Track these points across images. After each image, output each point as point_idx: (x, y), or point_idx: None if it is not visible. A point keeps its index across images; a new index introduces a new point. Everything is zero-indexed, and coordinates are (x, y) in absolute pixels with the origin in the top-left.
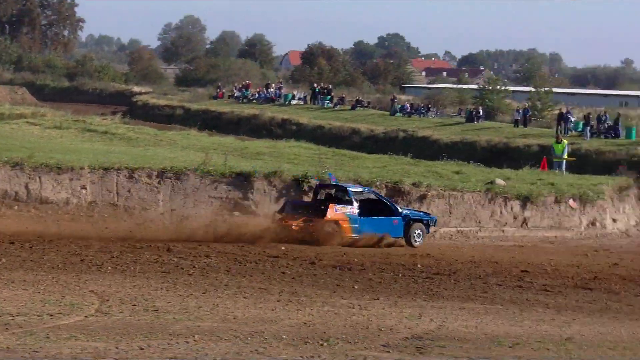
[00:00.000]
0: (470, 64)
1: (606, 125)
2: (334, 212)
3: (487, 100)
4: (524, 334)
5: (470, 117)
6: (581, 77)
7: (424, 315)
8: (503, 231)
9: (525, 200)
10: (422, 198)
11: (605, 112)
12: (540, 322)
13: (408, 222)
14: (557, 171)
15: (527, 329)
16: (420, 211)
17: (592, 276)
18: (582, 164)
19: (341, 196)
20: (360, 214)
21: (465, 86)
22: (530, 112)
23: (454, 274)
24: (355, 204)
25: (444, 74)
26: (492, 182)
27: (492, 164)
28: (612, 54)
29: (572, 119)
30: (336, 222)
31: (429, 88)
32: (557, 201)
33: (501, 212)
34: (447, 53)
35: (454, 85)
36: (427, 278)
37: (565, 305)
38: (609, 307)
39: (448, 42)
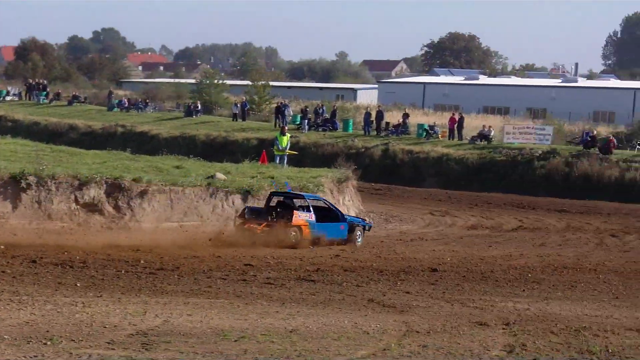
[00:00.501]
0: (187, 58)
1: (323, 118)
2: (298, 218)
3: (205, 95)
4: (249, 327)
5: (189, 112)
6: (297, 71)
7: (148, 311)
8: (226, 225)
9: (247, 193)
10: (143, 194)
11: (322, 105)
12: (265, 315)
13: (352, 226)
14: (278, 164)
15: (252, 322)
16: (358, 217)
17: (315, 268)
18: (301, 156)
19: (297, 203)
20: (316, 220)
21: (182, 80)
22: (249, 106)
23: (177, 269)
24: (312, 211)
25: (161, 68)
26: (212, 177)
27: (213, 158)
28: (327, 47)
29: (290, 112)
30: (299, 227)
31: (147, 83)
32: None
33: (223, 206)
34: (163, 47)
35: (172, 80)
36: (150, 274)
37: (289, 297)
38: (332, 298)
39: (164, 36)
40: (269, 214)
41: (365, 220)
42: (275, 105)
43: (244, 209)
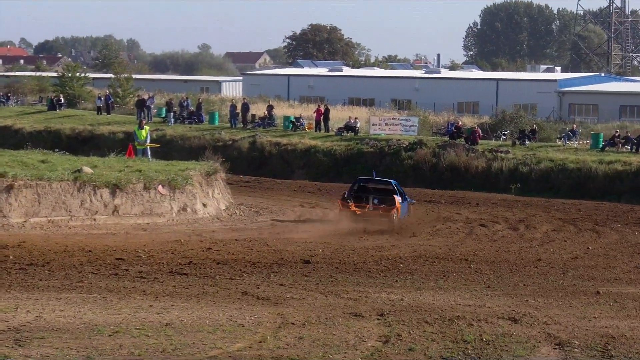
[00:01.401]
0: (47, 51)
1: (189, 111)
2: (397, 200)
3: (67, 88)
4: (123, 321)
5: (52, 106)
6: (160, 64)
7: (20, 307)
8: (95, 219)
9: (115, 187)
10: (9, 189)
11: (187, 98)
12: (138, 309)
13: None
14: (143, 158)
15: (126, 317)
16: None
17: (187, 261)
18: (168, 150)
19: (386, 187)
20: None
21: (44, 74)
22: (112, 99)
23: (48, 264)
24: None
25: (22, 61)
26: (79, 171)
27: (79, 152)
28: (189, 39)
29: (152, 105)
30: (397, 209)
31: (7, 76)
32: (146, 188)
33: (91, 200)
34: (22, 40)
35: (33, 73)
36: (20, 269)
37: (163, 291)
38: (205, 291)
39: (23, 29)
40: (362, 198)
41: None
42: (137, 98)
43: (344, 193)
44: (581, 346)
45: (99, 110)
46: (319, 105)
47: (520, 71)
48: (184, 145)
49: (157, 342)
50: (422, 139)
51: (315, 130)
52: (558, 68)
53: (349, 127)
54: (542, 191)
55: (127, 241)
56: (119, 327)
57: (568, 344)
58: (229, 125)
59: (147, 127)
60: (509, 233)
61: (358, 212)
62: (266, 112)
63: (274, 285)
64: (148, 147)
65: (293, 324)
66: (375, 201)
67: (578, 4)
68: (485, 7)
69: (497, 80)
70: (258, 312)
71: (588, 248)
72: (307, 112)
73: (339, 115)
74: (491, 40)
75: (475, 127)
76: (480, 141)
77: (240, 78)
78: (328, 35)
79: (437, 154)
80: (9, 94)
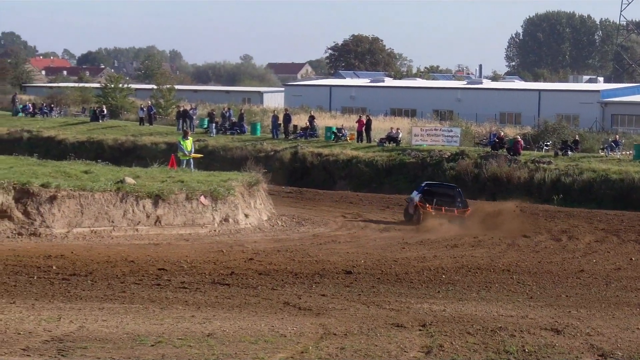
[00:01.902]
0: (90, 62)
1: (231, 122)
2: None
3: (110, 99)
4: (166, 332)
5: (95, 116)
6: (202, 74)
7: (63, 317)
8: (137, 230)
9: (157, 198)
10: (52, 199)
11: (229, 109)
12: (181, 319)
13: None
14: (185, 168)
15: (168, 327)
16: None
17: (229, 272)
18: (210, 160)
19: (450, 193)
20: None
21: (87, 85)
22: (155, 110)
23: (90, 274)
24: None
25: (65, 72)
26: (122, 181)
27: (121, 163)
28: (232, 50)
29: (195, 116)
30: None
31: (51, 87)
32: (188, 198)
33: (134, 211)
34: (66, 51)
35: (76, 84)
36: (63, 279)
37: (205, 301)
38: (247, 302)
39: (66, 40)
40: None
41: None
42: (180, 109)
43: (414, 196)
44: (624, 357)
45: (141, 121)
46: (360, 116)
47: (563, 82)
48: (226, 155)
49: (199, 352)
50: (464, 150)
51: (357, 141)
52: (600, 79)
53: (391, 138)
54: (585, 202)
55: (169, 251)
56: (162, 337)
57: (611, 355)
58: (270, 136)
59: (191, 138)
60: (551, 244)
61: (434, 214)
62: (308, 123)
63: (316, 295)
64: (192, 158)
65: (335, 334)
66: (448, 204)
67: (621, 14)
68: (528, 17)
69: (539, 90)
70: (300, 323)
71: (631, 259)
72: (349, 122)
73: (380, 125)
74: (533, 51)
75: (517, 138)
76: (522, 152)
77: (282, 89)
78: (370, 46)
79: (479, 164)
80: (52, 105)
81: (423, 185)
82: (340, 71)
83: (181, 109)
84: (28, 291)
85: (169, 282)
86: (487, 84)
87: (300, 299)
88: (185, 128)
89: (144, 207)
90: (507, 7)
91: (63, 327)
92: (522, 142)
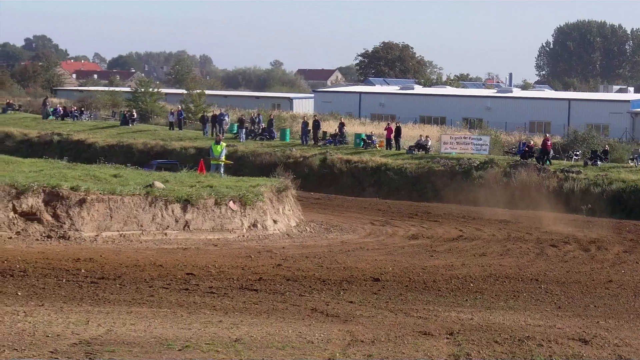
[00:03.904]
0: (120, 66)
1: (261, 127)
2: None
3: (140, 103)
4: (193, 336)
5: (125, 120)
6: (232, 79)
7: (91, 321)
8: (166, 234)
9: (186, 203)
10: (81, 202)
11: (258, 114)
12: (208, 324)
13: None
14: (215, 173)
15: (195, 332)
16: None
17: (257, 277)
18: (239, 166)
19: None
20: None
21: (117, 89)
22: (185, 115)
23: (119, 278)
24: None
25: (95, 76)
26: (151, 185)
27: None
28: (262, 56)
29: (227, 120)
30: None
31: (81, 91)
32: (217, 203)
33: (162, 215)
34: (96, 55)
35: (106, 88)
36: (92, 283)
37: (233, 307)
38: (275, 307)
39: (97, 44)
40: None
41: None
42: (211, 114)
43: None
44: None
45: (171, 125)
46: (389, 123)
47: (593, 91)
48: (255, 161)
49: (226, 357)
50: (493, 158)
51: (387, 148)
52: (631, 89)
53: (420, 146)
54: (614, 212)
55: (197, 256)
56: (189, 341)
57: None
58: (300, 142)
59: (223, 144)
60: (580, 254)
61: None
62: (337, 130)
63: (344, 302)
64: (222, 163)
65: (362, 341)
66: None
67: None
68: (558, 26)
69: (569, 100)
70: (327, 329)
71: None
72: (378, 129)
73: (410, 133)
74: (564, 60)
75: (546, 135)
76: (552, 160)
77: (312, 95)
78: (400, 53)
79: (508, 173)
80: (83, 109)
81: None
82: (370, 78)
83: (210, 114)
84: (57, 294)
85: (197, 287)
86: (517, 92)
87: (327, 305)
88: (217, 133)
89: (172, 211)
90: (538, 16)
91: (91, 331)
92: (550, 140)
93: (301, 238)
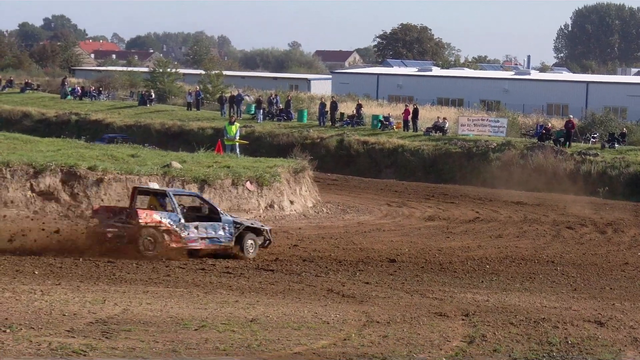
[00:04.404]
0: (139, 47)
1: (278, 108)
2: None
3: (158, 83)
4: (209, 316)
5: (143, 100)
6: (250, 60)
7: (107, 300)
8: None
9: (203, 183)
10: (99, 182)
11: (276, 95)
12: (224, 304)
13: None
14: (231, 154)
15: (212, 312)
16: None
17: (274, 258)
18: (256, 146)
19: None
20: None
21: (135, 69)
22: (202, 95)
23: (135, 257)
24: None
25: (114, 56)
26: (168, 165)
27: (168, 147)
28: (280, 37)
29: (249, 99)
30: None
31: (99, 71)
32: (234, 184)
33: None
34: (115, 35)
35: (125, 68)
36: (108, 262)
37: (249, 287)
38: (291, 288)
39: (116, 24)
40: None
41: None
42: (229, 94)
43: None
44: None
45: (188, 106)
46: (407, 105)
47: (611, 74)
48: (272, 142)
49: (242, 337)
50: (510, 140)
51: (404, 130)
52: None
53: (438, 127)
54: (631, 195)
55: None
56: (205, 321)
57: None
58: (317, 123)
59: (237, 124)
60: (596, 236)
61: None
62: (355, 111)
63: (360, 283)
64: (237, 143)
65: (378, 322)
66: None
67: None
68: (577, 9)
69: (587, 82)
70: (343, 310)
71: None
72: (396, 111)
73: (427, 115)
74: (582, 42)
75: (570, 117)
76: (570, 142)
77: (330, 76)
78: (418, 35)
79: (525, 155)
80: (101, 89)
81: None
82: (388, 60)
83: (228, 94)
84: (73, 273)
85: (213, 267)
86: (534, 75)
87: (343, 286)
88: (232, 114)
89: None
90: None
91: (107, 310)
92: (574, 121)
93: (318, 219)
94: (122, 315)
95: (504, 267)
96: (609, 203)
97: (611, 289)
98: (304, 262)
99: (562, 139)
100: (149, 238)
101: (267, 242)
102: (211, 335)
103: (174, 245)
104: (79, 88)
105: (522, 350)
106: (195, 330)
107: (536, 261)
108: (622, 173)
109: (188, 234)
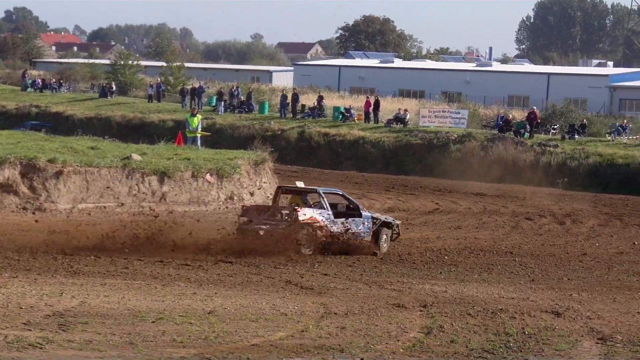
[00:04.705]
0: (100, 39)
1: (239, 100)
2: None
3: (119, 76)
4: (167, 308)
5: (104, 93)
6: (212, 52)
7: (65, 292)
8: (142, 206)
9: (163, 175)
10: (58, 174)
11: (237, 87)
12: (182, 296)
13: None
14: (192, 146)
15: (169, 304)
16: None
17: (232, 250)
18: (217, 138)
19: None
20: None
21: (97, 61)
22: (164, 87)
23: (94, 250)
24: None
25: (75, 48)
26: (128, 158)
27: (129, 139)
28: (242, 29)
29: (204, 93)
30: None
31: (61, 63)
32: (194, 176)
33: (139, 188)
34: (77, 27)
35: (86, 60)
36: (66, 255)
37: (207, 279)
38: (249, 280)
39: (78, 16)
40: None
41: None
42: (190, 87)
43: None
44: (624, 341)
45: (149, 98)
46: (368, 97)
47: (572, 65)
48: (233, 134)
49: (199, 329)
50: (471, 132)
51: (365, 122)
52: (610, 63)
53: (399, 119)
54: (590, 186)
55: (173, 229)
56: (163, 313)
57: (611, 339)
58: (278, 115)
59: (199, 116)
60: (555, 227)
61: None
62: (316, 103)
63: (318, 274)
64: (199, 135)
65: (336, 313)
66: None
67: None
68: (539, 0)
69: (548, 74)
70: (301, 302)
71: (634, 243)
72: (358, 103)
73: (388, 106)
74: (544, 34)
75: (533, 108)
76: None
77: (292, 68)
78: (380, 26)
79: (486, 147)
80: (62, 81)
81: None
82: (350, 51)
83: (189, 86)
84: (31, 266)
85: (172, 260)
86: (496, 66)
87: (302, 277)
88: (193, 106)
89: (149, 184)
90: None
91: (65, 302)
92: (537, 112)
93: None
94: (79, 307)
95: (463, 258)
96: (568, 194)
97: (569, 279)
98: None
99: (522, 131)
100: (306, 235)
101: (396, 235)
102: (168, 327)
103: (324, 239)
104: (39, 80)
105: (480, 341)
106: (153, 322)
107: (495, 252)
108: (581, 164)
109: (336, 229)
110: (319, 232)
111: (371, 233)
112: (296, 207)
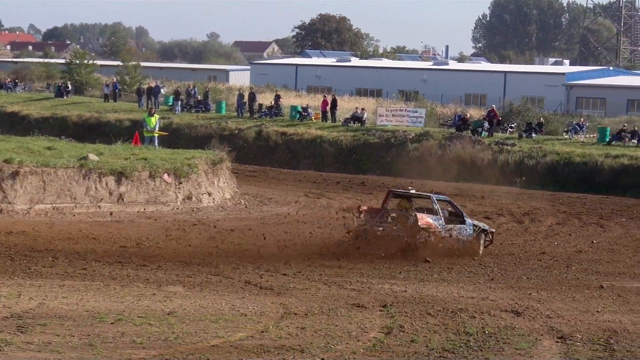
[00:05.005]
0: (56, 38)
1: (196, 100)
2: None
3: (75, 75)
4: (126, 309)
5: (60, 92)
6: (168, 52)
7: (23, 294)
8: (99, 207)
9: (120, 175)
10: (14, 175)
11: (194, 86)
12: (141, 297)
13: None
14: (149, 146)
15: (128, 305)
16: None
17: (191, 251)
18: (174, 138)
19: None
20: None
21: (52, 60)
22: (120, 87)
23: (51, 251)
24: None
25: (30, 47)
26: (85, 158)
27: (85, 139)
28: (198, 28)
29: (161, 93)
30: None
31: (15, 62)
32: (151, 176)
33: (96, 188)
34: (31, 26)
35: (41, 60)
36: (24, 256)
37: (166, 280)
38: (209, 280)
39: (32, 15)
40: None
41: None
42: (147, 86)
43: None
44: (583, 340)
45: (106, 97)
46: (325, 95)
47: (529, 64)
48: (190, 134)
49: (159, 330)
50: (428, 131)
51: (322, 121)
52: (566, 61)
53: (356, 118)
54: (548, 184)
55: (131, 229)
56: (122, 315)
57: (570, 338)
58: (235, 114)
59: (156, 115)
60: (513, 226)
61: None
62: (273, 102)
63: (278, 275)
64: (156, 135)
65: (295, 314)
66: None
67: None
68: None
69: (505, 72)
70: (261, 302)
71: (592, 242)
72: (315, 102)
73: (346, 105)
74: (500, 33)
75: (492, 107)
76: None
77: (248, 67)
78: (337, 25)
79: (443, 145)
80: (17, 80)
81: None
82: (306, 50)
83: (146, 86)
84: None
85: (130, 260)
86: (452, 65)
87: (261, 278)
88: (150, 105)
89: (106, 184)
90: None
91: (23, 304)
92: (496, 111)
93: (235, 211)
94: (37, 309)
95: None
96: (526, 193)
97: (528, 278)
98: (221, 255)
99: (480, 129)
100: (422, 239)
101: (489, 242)
102: (128, 328)
103: (435, 244)
104: None
105: (440, 340)
106: (112, 324)
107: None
108: (539, 163)
109: (446, 235)
110: (432, 237)
111: (472, 240)
112: (416, 213)
